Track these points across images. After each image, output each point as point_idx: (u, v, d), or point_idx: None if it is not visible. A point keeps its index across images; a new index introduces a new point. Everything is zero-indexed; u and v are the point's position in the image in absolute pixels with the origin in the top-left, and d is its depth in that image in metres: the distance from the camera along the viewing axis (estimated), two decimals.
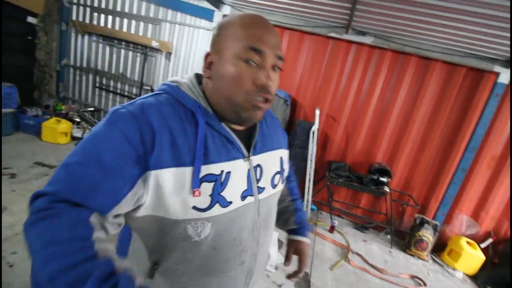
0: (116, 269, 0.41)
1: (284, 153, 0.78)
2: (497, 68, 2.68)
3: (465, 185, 3.02)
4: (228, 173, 0.59)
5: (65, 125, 3.71)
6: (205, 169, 0.56)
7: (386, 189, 3.00)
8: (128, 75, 4.22)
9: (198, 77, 0.66)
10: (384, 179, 3.02)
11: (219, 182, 0.58)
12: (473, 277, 2.87)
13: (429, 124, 3.06)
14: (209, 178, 0.56)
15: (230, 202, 0.59)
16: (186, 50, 3.83)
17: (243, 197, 0.62)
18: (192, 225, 0.56)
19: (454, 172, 3.01)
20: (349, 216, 3.45)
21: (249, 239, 0.65)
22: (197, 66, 3.80)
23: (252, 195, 0.64)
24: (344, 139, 3.41)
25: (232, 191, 0.60)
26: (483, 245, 2.96)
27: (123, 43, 4.12)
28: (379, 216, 3.37)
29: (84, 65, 4.46)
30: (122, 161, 0.49)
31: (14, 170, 2.78)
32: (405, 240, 3.11)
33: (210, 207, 0.56)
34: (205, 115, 0.59)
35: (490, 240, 2.96)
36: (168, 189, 0.52)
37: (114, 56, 4.24)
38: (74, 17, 4.32)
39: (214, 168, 0.57)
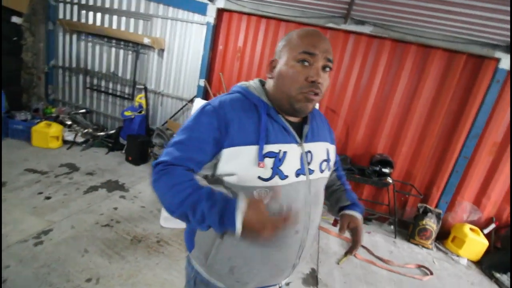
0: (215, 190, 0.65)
1: (330, 147, 0.91)
2: (498, 54, 2.66)
3: (467, 172, 3.02)
4: (285, 152, 0.74)
5: (55, 128, 3.58)
6: (267, 148, 0.72)
7: (389, 180, 2.98)
8: (120, 74, 4.09)
9: (260, 81, 0.85)
10: (386, 170, 2.99)
11: (278, 158, 0.73)
12: (478, 263, 2.88)
13: (430, 113, 3.03)
14: (270, 154, 0.72)
15: (287, 176, 0.73)
16: (179, 46, 3.72)
17: (297, 175, 0.75)
18: (257, 191, 0.72)
19: (456, 160, 3.00)
20: None
21: (302, 211, 0.78)
22: (191, 62, 3.70)
23: (304, 174, 0.77)
24: (344, 131, 3.37)
25: (289, 168, 0.74)
26: (486, 231, 2.97)
27: (114, 41, 3.98)
28: (381, 207, 3.36)
29: (74, 65, 4.32)
30: (206, 142, 0.71)
31: (4, 178, 2.66)
32: (409, 229, 3.11)
33: (271, 177, 0.71)
34: (266, 108, 0.76)
35: (492, 226, 2.98)
36: (239, 161, 0.70)
37: (105, 55, 4.11)
38: (61, 16, 4.16)
39: (274, 147, 0.73)
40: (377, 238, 2.99)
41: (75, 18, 4.10)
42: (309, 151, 0.81)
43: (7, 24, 3.60)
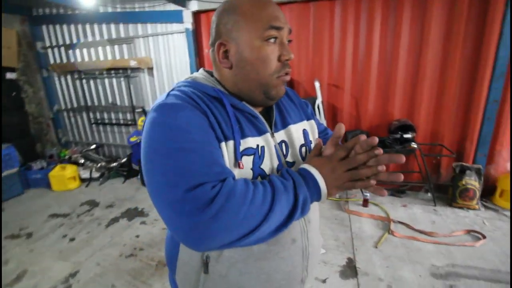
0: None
1: (307, 124, 0.78)
2: None
3: (501, 117, 2.67)
4: (263, 147, 0.63)
5: (70, 169, 3.65)
6: (244, 143, 0.60)
7: (414, 145, 2.71)
8: (118, 103, 4.11)
9: (207, 71, 0.71)
10: (408, 135, 2.72)
11: (257, 155, 0.61)
12: None
13: (444, 61, 2.71)
14: (248, 151, 0.60)
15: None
16: (166, 59, 3.65)
17: (278, 172, 0.63)
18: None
19: (485, 105, 2.66)
20: (380, 184, 3.16)
21: (298, 233, 0.66)
22: (181, 72, 3.61)
23: None
24: (353, 105, 3.13)
25: (269, 165, 0.63)
26: None
27: (104, 72, 4.00)
28: (412, 176, 3.08)
29: (75, 105, 4.41)
30: (212, 140, 0.55)
31: (30, 229, 2.74)
32: (449, 193, 2.82)
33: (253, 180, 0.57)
34: (228, 97, 0.63)
35: None
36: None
37: (100, 87, 4.15)
38: (51, 61, 4.26)
39: (251, 142, 0.61)
40: (414, 210, 2.73)
41: (64, 60, 4.18)
42: (283, 141, 0.69)
43: (3, 82, 3.72)
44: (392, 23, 2.77)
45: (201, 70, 0.72)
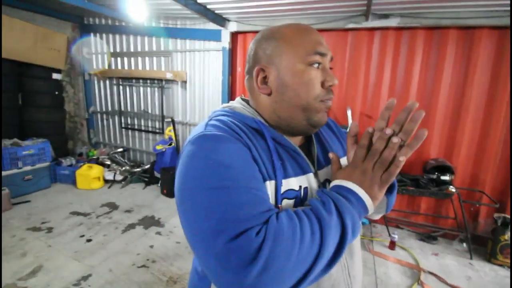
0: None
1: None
2: None
3: None
4: (306, 188, 0.57)
5: (96, 170, 3.77)
6: (286, 184, 0.54)
7: (452, 189, 2.50)
8: (150, 111, 4.26)
9: (244, 100, 0.67)
10: (446, 178, 2.53)
11: (299, 199, 0.56)
12: None
13: (489, 101, 2.54)
14: (290, 194, 0.55)
15: None
16: (200, 75, 3.76)
17: None
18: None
19: None
20: (409, 226, 2.95)
21: (338, 270, 0.59)
22: (213, 88, 3.69)
23: None
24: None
25: None
26: None
27: (141, 80, 4.20)
28: (446, 221, 2.83)
29: (110, 108, 4.62)
30: (256, 176, 0.50)
31: (51, 223, 2.81)
32: (488, 247, 2.54)
33: None
34: (269, 130, 0.58)
35: None
36: None
37: (135, 94, 4.34)
38: (94, 66, 4.54)
39: (293, 183, 0.56)
40: (447, 261, 2.48)
41: (106, 66, 4.44)
42: (328, 180, 0.63)
43: (49, 81, 4.00)
44: (434, 57, 2.66)
45: (238, 98, 0.68)
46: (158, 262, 2.30)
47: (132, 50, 4.17)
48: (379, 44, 2.83)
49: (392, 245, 2.57)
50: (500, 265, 2.42)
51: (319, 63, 0.57)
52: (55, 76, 4.03)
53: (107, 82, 4.52)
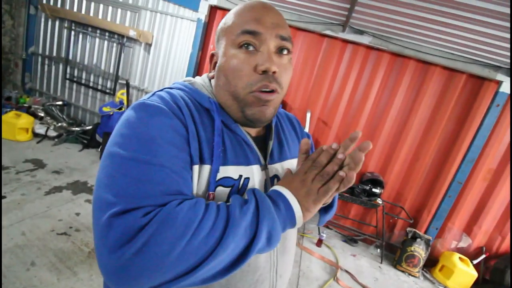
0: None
1: None
2: (499, 77, 2.53)
3: (460, 198, 2.87)
4: (247, 179, 0.55)
5: (26, 120, 3.29)
6: (223, 171, 0.52)
7: (379, 201, 2.80)
8: (102, 67, 3.83)
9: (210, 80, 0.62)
10: (376, 190, 2.82)
11: (236, 187, 0.53)
12: None
13: (426, 132, 2.88)
14: (226, 182, 0.52)
15: None
16: (167, 41, 3.49)
17: None
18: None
19: (450, 184, 2.85)
20: (337, 228, 3.23)
21: (266, 266, 0.57)
22: (179, 59, 3.47)
23: None
24: None
25: None
26: (475, 262, 2.81)
27: (98, 31, 3.73)
28: (368, 228, 3.18)
29: (54, 54, 4.04)
30: (181, 149, 0.47)
31: None
32: (396, 254, 2.93)
33: None
34: (220, 113, 0.55)
35: (482, 256, 2.82)
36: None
37: (88, 45, 3.85)
38: (44, 0, 3.89)
39: (232, 171, 0.53)
40: (362, 262, 2.79)
41: (59, 4, 3.84)
42: (276, 176, 0.61)
43: None
44: (392, 81, 2.90)
45: (204, 75, 0.63)
46: (82, 232, 2.13)
47: None
48: (349, 57, 2.97)
49: (319, 242, 2.79)
50: (402, 271, 2.82)
51: (248, 44, 0.50)
52: None
53: (57, 22, 3.91)
